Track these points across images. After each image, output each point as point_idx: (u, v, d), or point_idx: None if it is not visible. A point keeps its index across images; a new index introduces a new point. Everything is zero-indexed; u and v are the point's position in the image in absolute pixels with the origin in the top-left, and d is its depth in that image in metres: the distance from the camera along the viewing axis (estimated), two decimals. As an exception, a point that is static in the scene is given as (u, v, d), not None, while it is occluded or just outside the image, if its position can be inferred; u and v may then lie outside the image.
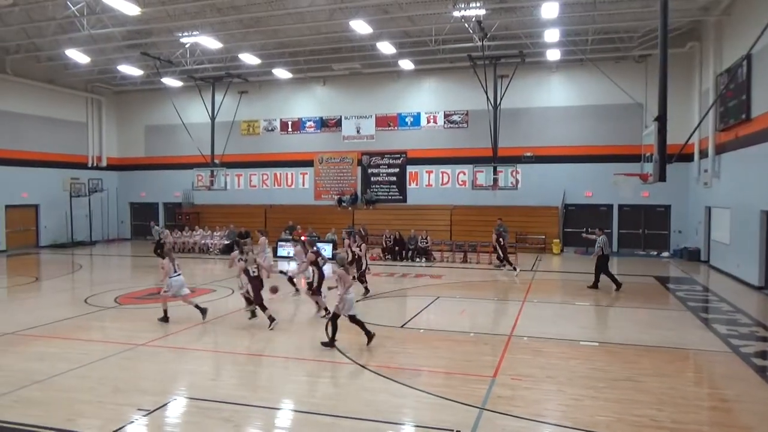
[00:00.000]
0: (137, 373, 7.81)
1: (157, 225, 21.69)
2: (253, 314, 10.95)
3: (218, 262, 21.26)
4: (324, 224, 24.00)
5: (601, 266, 14.66)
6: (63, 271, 18.95)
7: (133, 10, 17.19)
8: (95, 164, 29.40)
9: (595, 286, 14.65)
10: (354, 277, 10.17)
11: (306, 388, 7.21)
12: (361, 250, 13.76)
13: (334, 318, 9.10)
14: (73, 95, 28.17)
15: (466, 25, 19.21)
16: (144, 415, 6.28)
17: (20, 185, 25.13)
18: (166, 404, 6.67)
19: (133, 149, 30.81)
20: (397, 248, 21.11)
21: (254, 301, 10.71)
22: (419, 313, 12.08)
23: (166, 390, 7.19)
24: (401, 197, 26.25)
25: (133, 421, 6.16)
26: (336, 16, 19.37)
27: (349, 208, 25.99)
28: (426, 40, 21.83)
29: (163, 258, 10.98)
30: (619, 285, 14.43)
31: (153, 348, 9.06)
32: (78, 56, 22.90)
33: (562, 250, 23.13)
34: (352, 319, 9.08)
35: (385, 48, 21.42)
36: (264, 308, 10.51)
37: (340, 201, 26.58)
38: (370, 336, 9.06)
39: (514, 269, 17.93)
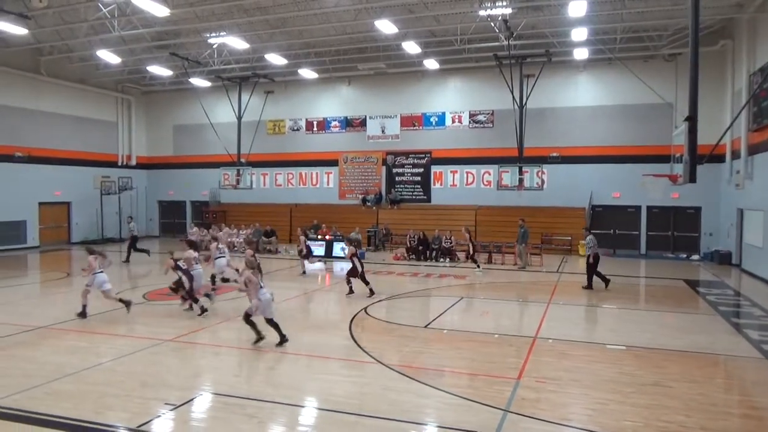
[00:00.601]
0: (164, 368, 7.94)
1: (133, 221, 22.25)
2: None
3: (244, 260, 21.47)
4: (348, 223, 24.06)
5: (594, 265, 14.68)
6: (127, 266, 19.31)
7: (162, 12, 17.48)
8: (125, 163, 30.01)
9: (589, 286, 14.69)
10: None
11: (329, 386, 7.25)
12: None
13: (246, 317, 9.04)
14: (104, 95, 28.79)
15: (492, 24, 19.09)
16: (171, 410, 6.39)
17: (53, 183, 25.79)
18: (192, 399, 6.78)
19: (162, 148, 31.35)
20: (421, 248, 21.07)
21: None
22: (443, 313, 12.04)
23: (192, 385, 7.30)
24: (425, 197, 26.19)
25: (160, 415, 6.27)
26: (361, 16, 19.43)
27: (374, 208, 26.04)
28: (451, 39, 21.75)
29: (92, 254, 11.32)
30: (607, 282, 14.64)
31: (179, 344, 9.21)
32: (109, 57, 23.39)
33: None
34: (269, 321, 8.98)
35: (410, 47, 21.41)
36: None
37: (364, 200, 26.65)
38: (282, 339, 8.96)
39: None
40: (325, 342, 9.44)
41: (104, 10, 19.12)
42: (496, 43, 21.07)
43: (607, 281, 14.73)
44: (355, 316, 11.23)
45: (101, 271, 11.31)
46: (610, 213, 23.37)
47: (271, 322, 9.03)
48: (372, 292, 13.51)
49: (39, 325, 10.52)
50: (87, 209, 27.09)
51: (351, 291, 13.70)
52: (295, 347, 9.00)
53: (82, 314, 11.13)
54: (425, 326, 10.67)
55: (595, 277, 14.72)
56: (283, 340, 9.01)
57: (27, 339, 9.63)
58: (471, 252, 18.27)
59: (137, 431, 5.81)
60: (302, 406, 6.67)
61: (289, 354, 8.65)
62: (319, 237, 22.50)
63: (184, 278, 11.48)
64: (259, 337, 9.07)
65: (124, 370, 7.84)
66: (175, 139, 31.12)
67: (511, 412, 6.32)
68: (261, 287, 9.05)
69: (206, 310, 11.34)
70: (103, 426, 5.90)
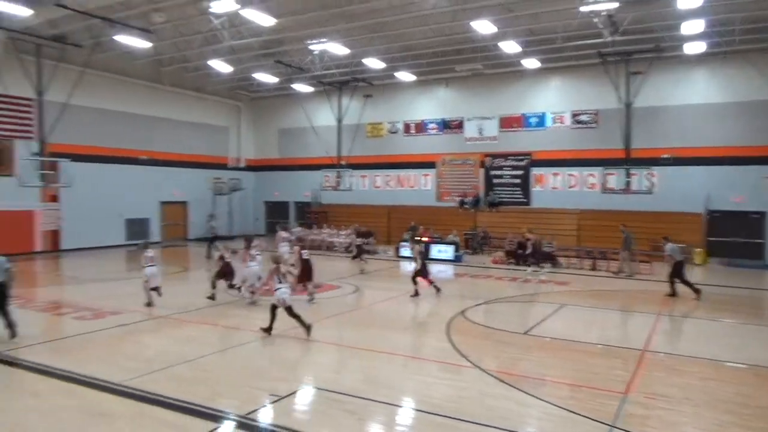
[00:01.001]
0: (270, 361, 8.36)
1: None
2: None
3: (343, 260, 22.07)
4: (445, 226, 24.02)
5: (674, 273, 14.06)
6: (208, 262, 20.69)
7: (268, 21, 18.38)
8: (235, 165, 31.90)
9: (672, 293, 14.09)
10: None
11: (426, 387, 7.28)
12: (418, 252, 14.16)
13: (272, 308, 9.70)
14: (216, 102, 30.78)
15: (595, 19, 18.25)
16: (275, 400, 6.71)
17: (173, 184, 27.93)
18: (295, 392, 7.08)
19: (268, 151, 32.96)
20: (520, 252, 20.57)
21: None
22: (544, 320, 11.68)
23: (295, 378, 7.64)
24: (525, 200, 25.53)
25: (266, 405, 6.61)
26: (459, 17, 19.31)
27: (472, 211, 25.78)
28: (552, 37, 21.04)
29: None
30: (696, 291, 13.80)
31: (283, 338, 9.63)
32: (220, 66, 24.94)
33: (706, 261, 21.09)
34: (289, 311, 9.59)
35: (509, 47, 20.96)
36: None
37: (462, 203, 26.44)
38: (306, 326, 9.50)
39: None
40: (422, 343, 9.49)
41: (216, 21, 20.40)
42: (600, 40, 20.09)
43: (697, 290, 13.76)
44: (452, 319, 11.19)
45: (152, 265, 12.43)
46: (728, 219, 21.49)
47: (288, 311, 9.65)
48: (438, 290, 13.83)
49: (161, 315, 11.44)
50: (201, 208, 29.06)
51: (416, 293, 13.69)
52: (392, 347, 9.12)
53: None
54: (525, 333, 10.42)
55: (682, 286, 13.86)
56: (269, 329, 9.67)
57: (150, 327, 10.52)
58: (530, 251, 18.43)
59: (246, 419, 6.15)
60: (399, 406, 6.75)
61: (385, 353, 8.79)
62: (416, 239, 22.60)
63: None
64: (305, 325, 9.58)
65: (234, 360, 8.34)
66: (280, 143, 32.60)
67: (618, 428, 6.01)
68: (279, 282, 9.72)
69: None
70: (215, 411, 6.31)
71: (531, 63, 23.12)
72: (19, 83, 19.69)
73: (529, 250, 18.35)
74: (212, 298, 12.78)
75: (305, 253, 13.30)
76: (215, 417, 6.18)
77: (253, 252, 12.94)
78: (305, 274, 12.88)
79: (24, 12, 16.62)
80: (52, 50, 19.90)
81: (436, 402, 6.69)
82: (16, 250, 19.01)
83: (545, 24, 20.06)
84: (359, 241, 19.33)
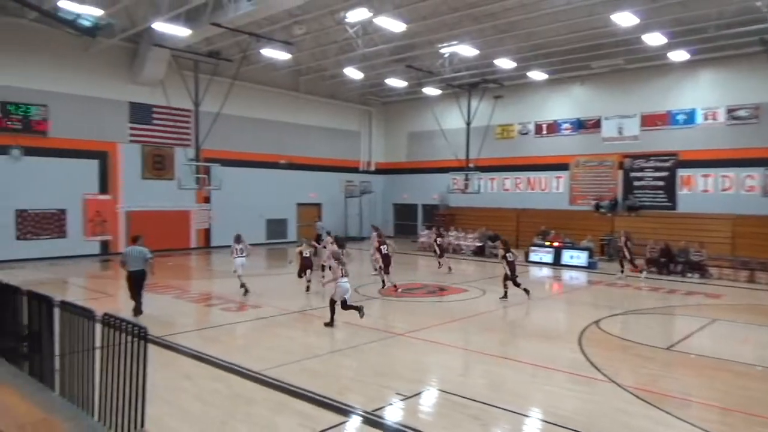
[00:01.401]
0: (396, 360, 8.51)
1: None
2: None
3: (471, 263, 21.90)
4: (579, 230, 22.82)
5: None
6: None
7: (399, 27, 18.77)
8: (366, 168, 32.97)
9: None
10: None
11: (555, 398, 6.98)
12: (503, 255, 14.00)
13: (331, 303, 10.52)
14: (349, 107, 32.04)
15: (758, 3, 16.32)
16: (401, 400, 6.82)
17: (308, 186, 29.55)
18: (420, 393, 7.15)
19: (398, 154, 33.64)
20: (663, 260, 19.00)
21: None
22: (690, 335, 10.69)
23: (420, 379, 7.71)
24: (670, 204, 23.51)
25: (391, 404, 6.75)
26: (596, 11, 18.31)
27: (608, 215, 24.28)
28: (703, 26, 19.19)
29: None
30: None
31: (409, 339, 9.77)
32: (354, 73, 25.92)
33: None
34: (344, 304, 10.45)
35: (653, 39, 19.43)
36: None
37: (597, 206, 25.01)
38: (359, 310, 10.48)
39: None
40: (552, 353, 9.11)
41: (350, 31, 21.27)
42: (763, 25, 17.95)
43: None
44: (585, 329, 10.62)
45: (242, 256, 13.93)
46: None
47: (343, 305, 10.50)
48: (527, 292, 13.58)
49: (295, 309, 12.14)
50: (334, 210, 30.40)
51: (505, 296, 13.65)
52: (520, 354, 8.87)
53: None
54: (667, 348, 9.60)
55: None
56: (331, 323, 10.46)
57: (285, 321, 11.20)
58: (627, 257, 17.76)
59: (372, 415, 6.32)
60: (526, 416, 6.55)
61: (512, 360, 8.57)
62: (547, 244, 21.79)
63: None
64: (329, 323, 10.49)
65: (362, 357, 8.61)
66: (409, 146, 33.13)
67: (779, 460, 5.34)
68: (342, 276, 10.49)
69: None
70: (344, 405, 6.56)
71: (678, 55, 21.24)
72: (180, 96, 21.98)
73: (628, 256, 17.76)
74: (307, 289, 14.36)
75: (384, 248, 15.16)
76: (344, 411, 6.42)
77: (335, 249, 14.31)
78: (385, 266, 14.99)
79: (184, 32, 18.55)
80: (207, 65, 21.97)
81: (565, 414, 6.39)
82: (175, 246, 21.30)
83: (695, 12, 18.35)
84: (439, 240, 19.29)
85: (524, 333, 10.47)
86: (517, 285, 13.53)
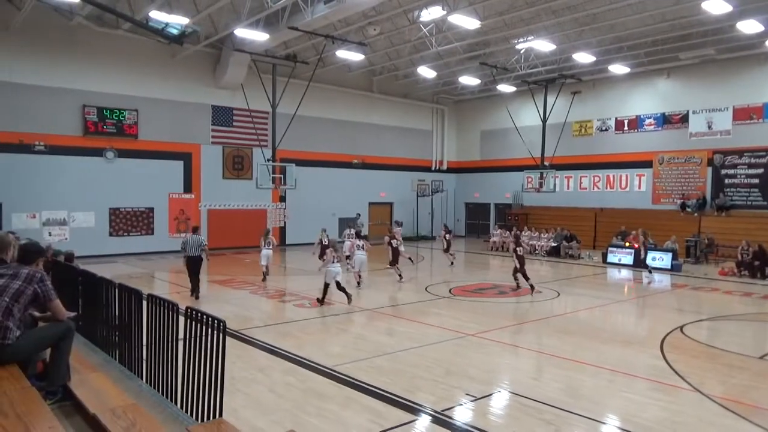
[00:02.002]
0: (466, 360, 8.43)
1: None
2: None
3: (544, 263, 21.33)
4: (662, 231, 21.64)
5: None
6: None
7: (474, 24, 18.55)
8: (437, 167, 32.84)
9: None
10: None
11: (635, 406, 6.67)
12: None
13: (325, 285, 12.28)
14: (421, 107, 32.01)
15: None
16: (471, 401, 6.75)
17: (380, 186, 29.82)
18: (490, 394, 7.04)
19: (470, 153, 33.28)
20: (757, 263, 17.69)
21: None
22: (786, 344, 9.91)
23: (491, 381, 7.59)
24: (766, 203, 21.86)
25: (462, 404, 6.69)
26: (684, 0, 17.32)
27: (695, 214, 22.90)
28: (808, 10, 17.71)
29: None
30: None
31: (480, 339, 9.65)
32: (427, 72, 25.87)
33: None
34: (338, 285, 12.15)
35: (748, 27, 18.12)
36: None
37: (683, 206, 23.65)
38: (349, 297, 12.28)
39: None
40: (632, 359, 8.71)
41: (424, 29, 21.24)
42: None
43: None
44: (668, 335, 10.08)
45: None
46: None
47: (337, 285, 12.21)
48: (533, 288, 14.13)
49: (366, 307, 12.29)
50: (405, 209, 30.50)
51: (518, 287, 14.64)
52: (597, 359, 8.54)
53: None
54: (761, 357, 8.94)
55: None
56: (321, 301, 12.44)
57: (357, 318, 11.37)
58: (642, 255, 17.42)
59: (441, 415, 6.29)
60: (603, 423, 6.29)
61: (589, 365, 8.27)
62: (627, 245, 20.84)
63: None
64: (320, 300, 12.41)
65: (431, 356, 8.59)
66: (482, 144, 32.69)
67: None
68: (334, 261, 12.27)
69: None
70: (413, 403, 6.57)
71: (777, 43, 19.72)
72: (259, 99, 22.79)
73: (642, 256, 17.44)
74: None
75: (395, 243, 16.65)
76: (413, 409, 6.43)
77: (359, 242, 15.49)
78: (394, 258, 16.46)
79: (263, 37, 19.22)
80: (284, 68, 22.66)
81: (645, 424, 6.09)
82: (252, 244, 22.08)
83: (797, -5, 16.98)
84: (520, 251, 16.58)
85: (602, 337, 10.06)
86: (527, 278, 14.35)
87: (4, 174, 19.23)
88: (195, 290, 13.16)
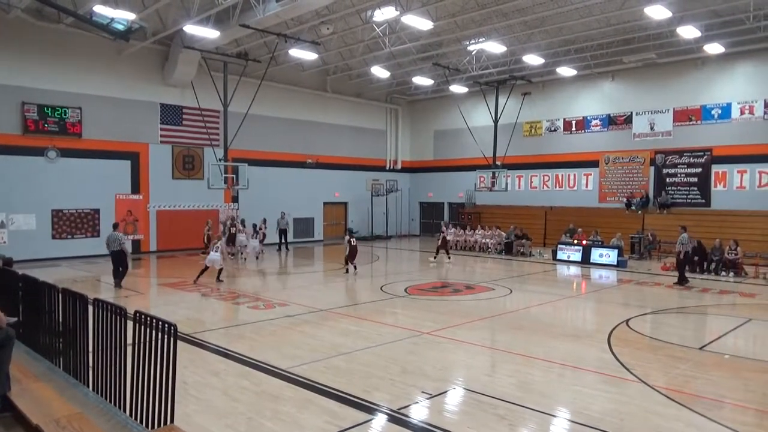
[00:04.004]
0: (422, 359, 8.50)
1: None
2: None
3: (497, 261, 21.74)
4: (609, 228, 22.46)
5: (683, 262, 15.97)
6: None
7: (426, 25, 18.71)
8: (391, 167, 32.97)
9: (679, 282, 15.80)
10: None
11: (584, 399, 6.88)
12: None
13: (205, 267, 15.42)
14: (375, 106, 32.06)
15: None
16: (426, 398, 6.81)
17: (334, 186, 29.71)
18: (446, 391, 7.12)
19: (423, 152, 33.56)
20: (696, 258, 18.55)
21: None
22: (724, 335, 10.42)
23: (446, 378, 7.68)
24: (703, 201, 22.96)
25: (417, 402, 6.74)
26: (628, 5, 17.99)
27: (639, 212, 23.83)
28: (741, 17, 18.69)
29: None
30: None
31: (435, 337, 9.75)
32: (380, 72, 25.94)
33: None
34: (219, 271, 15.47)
35: (688, 32, 19.02)
36: None
37: (628, 204, 24.56)
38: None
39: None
40: (581, 352, 8.98)
41: (377, 29, 21.29)
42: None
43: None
44: (615, 328, 10.45)
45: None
46: None
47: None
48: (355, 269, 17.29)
49: (321, 308, 12.23)
50: (360, 208, 30.50)
51: (347, 271, 17.39)
52: (548, 354, 8.77)
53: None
54: (700, 348, 9.38)
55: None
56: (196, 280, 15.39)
57: (312, 319, 11.28)
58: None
59: (397, 413, 6.33)
60: (554, 416, 6.46)
61: (540, 360, 8.48)
62: (575, 242, 21.49)
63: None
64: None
65: (387, 355, 8.62)
66: (435, 144, 33.02)
67: (818, 466, 5.16)
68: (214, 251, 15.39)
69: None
70: (369, 403, 6.58)
71: (713, 48, 20.73)
72: (210, 97, 22.33)
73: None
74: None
75: (353, 241, 17.65)
76: (370, 409, 6.44)
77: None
78: (351, 255, 17.49)
79: (213, 34, 18.82)
80: (236, 66, 22.27)
81: (594, 415, 6.30)
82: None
83: (733, 3, 17.89)
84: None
85: (552, 332, 10.33)
86: (355, 268, 17.37)
87: (-65, 174, 18.16)
88: (116, 278, 14.78)
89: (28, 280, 7.30)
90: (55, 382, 5.75)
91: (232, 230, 21.28)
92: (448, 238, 22.09)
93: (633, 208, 24.26)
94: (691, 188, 23.27)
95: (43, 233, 20.40)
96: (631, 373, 7.82)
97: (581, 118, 26.71)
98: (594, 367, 8.14)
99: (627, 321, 11.12)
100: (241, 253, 21.26)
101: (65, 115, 20.74)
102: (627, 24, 20.10)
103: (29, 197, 19.95)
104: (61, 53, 20.49)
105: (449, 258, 21.09)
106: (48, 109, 20.34)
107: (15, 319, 5.98)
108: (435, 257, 21.43)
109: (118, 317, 5.21)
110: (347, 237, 18.11)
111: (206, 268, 15.44)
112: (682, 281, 15.84)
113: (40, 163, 20.29)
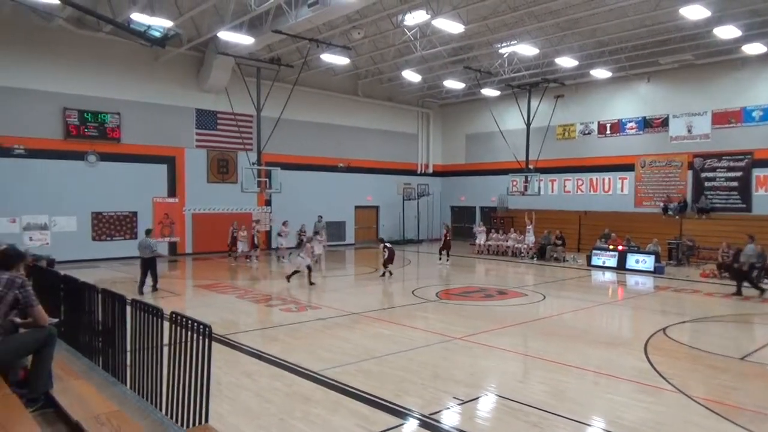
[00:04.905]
0: (453, 364, 8.44)
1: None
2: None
3: (530, 266, 21.48)
4: (644, 233, 21.95)
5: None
6: (396, 264, 21.63)
7: (458, 28, 18.65)
8: (423, 171, 32.93)
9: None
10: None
11: (619, 408, 6.73)
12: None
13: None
14: (406, 110, 32.10)
15: None
16: (458, 404, 6.76)
17: (366, 189, 29.83)
18: (477, 398, 7.06)
19: (455, 156, 33.42)
20: (737, 266, 17.94)
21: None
22: (766, 345, 10.07)
23: (477, 384, 7.61)
24: (744, 206, 22.24)
25: (448, 408, 6.70)
26: (664, 5, 17.61)
27: (676, 217, 23.23)
28: (785, 16, 18.09)
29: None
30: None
31: (466, 342, 9.67)
32: (411, 76, 25.95)
33: None
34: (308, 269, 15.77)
35: (726, 32, 18.47)
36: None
37: (665, 209, 23.97)
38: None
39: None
40: (616, 361, 8.79)
41: (408, 33, 21.32)
42: None
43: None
44: (651, 336, 10.20)
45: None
46: None
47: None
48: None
49: (353, 311, 12.28)
50: (391, 212, 30.53)
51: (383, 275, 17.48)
52: (582, 361, 8.61)
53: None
54: (741, 358, 9.08)
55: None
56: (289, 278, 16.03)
57: (344, 322, 11.34)
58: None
59: (429, 418, 6.30)
60: (588, 425, 6.34)
61: (574, 367, 8.33)
62: (611, 247, 21.07)
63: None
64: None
65: (419, 360, 8.59)
66: (467, 148, 32.85)
67: None
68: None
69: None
70: (400, 407, 6.57)
71: (754, 48, 20.09)
72: (243, 102, 22.70)
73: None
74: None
75: (388, 245, 17.90)
76: (401, 413, 6.42)
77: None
78: (390, 259, 17.60)
79: (247, 40, 19.14)
80: (269, 71, 22.60)
81: (630, 425, 6.15)
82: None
83: (774, 2, 17.34)
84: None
85: (586, 339, 10.15)
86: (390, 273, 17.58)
87: (-18, 178, 18.90)
88: (141, 287, 14.20)
89: (69, 280, 7.52)
90: (95, 380, 5.91)
91: (303, 237, 21.19)
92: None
93: (670, 213, 23.67)
94: (731, 193, 22.58)
95: (84, 235, 21.02)
96: (669, 382, 7.62)
97: (616, 120, 26.22)
98: (630, 376, 7.96)
99: (664, 329, 10.84)
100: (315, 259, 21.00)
101: (105, 120, 21.37)
102: (663, 24, 19.66)
103: (70, 200, 20.60)
104: (101, 60, 21.12)
105: (447, 260, 21.56)
106: (88, 115, 20.99)
107: (57, 318, 6.17)
108: (441, 258, 21.56)
109: (154, 318, 5.33)
110: (382, 245, 18.17)
111: (299, 269, 16.03)
112: (740, 292, 14.74)
113: (81, 167, 20.93)
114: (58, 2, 15.18)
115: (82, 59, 20.70)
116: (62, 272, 8.10)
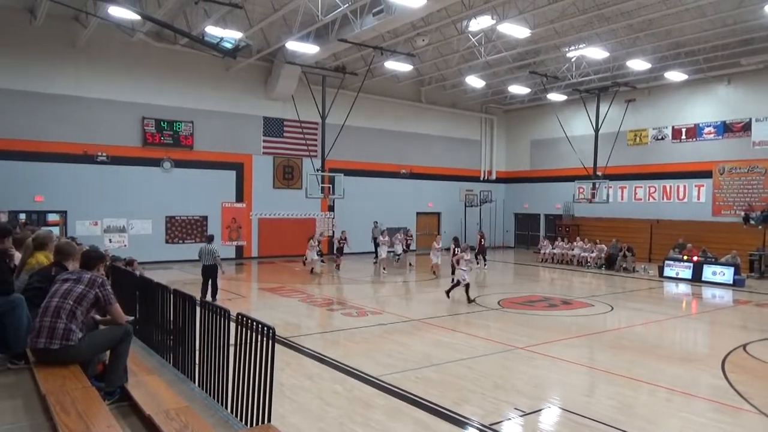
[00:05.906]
0: (514, 374, 8.26)
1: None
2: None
3: (597, 276, 20.75)
4: (723, 244, 20.72)
5: None
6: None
7: (524, 33, 18.34)
8: (486, 177, 32.52)
9: None
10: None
11: (694, 427, 6.37)
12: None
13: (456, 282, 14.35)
14: (469, 116, 31.83)
15: None
16: (520, 416, 6.60)
17: (427, 195, 29.76)
18: (540, 410, 6.87)
19: (519, 163, 32.81)
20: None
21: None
22: None
23: (540, 395, 7.41)
24: (837, 216, 20.61)
25: (510, 419, 6.56)
26: (745, 3, 16.64)
27: (759, 227, 21.80)
28: None
29: None
30: None
31: (529, 353, 9.44)
32: (475, 81, 25.73)
33: None
34: (467, 286, 14.13)
35: (819, 30, 17.25)
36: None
37: (747, 218, 22.55)
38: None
39: None
40: (691, 377, 8.33)
41: (473, 39, 21.16)
42: None
43: None
44: (730, 353, 9.61)
45: None
46: None
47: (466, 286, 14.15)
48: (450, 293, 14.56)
49: (413, 318, 12.26)
50: (453, 219, 30.30)
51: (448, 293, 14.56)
52: (653, 377, 8.21)
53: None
54: (833, 380, 8.39)
55: None
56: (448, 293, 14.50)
57: (404, 328, 11.34)
58: None
59: (489, 429, 6.18)
60: (660, 444, 6.04)
61: (644, 382, 7.95)
62: (685, 258, 20.03)
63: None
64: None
65: (479, 368, 8.46)
66: (531, 154, 32.19)
67: None
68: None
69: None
70: (460, 416, 6.48)
71: None
72: (309, 110, 23.21)
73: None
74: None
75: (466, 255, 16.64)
76: (461, 423, 6.34)
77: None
78: (481, 251, 18.88)
79: (313, 49, 19.58)
80: (334, 79, 23.02)
81: (705, 446, 5.81)
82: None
83: None
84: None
85: (658, 354, 9.68)
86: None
87: (70, 183, 20.24)
88: (203, 294, 13.57)
89: (143, 281, 7.92)
90: (166, 376, 6.18)
91: (343, 243, 22.02)
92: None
93: (752, 222, 22.24)
94: (823, 201, 20.98)
95: (158, 238, 22.10)
96: (749, 402, 7.14)
97: (692, 125, 24.95)
98: (705, 394, 7.52)
99: (744, 346, 10.18)
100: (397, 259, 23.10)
101: (179, 128, 22.43)
102: (745, 24, 18.59)
103: (146, 204, 21.72)
104: (176, 72, 22.20)
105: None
106: (164, 123, 22.09)
107: (132, 317, 6.51)
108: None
109: (222, 318, 5.53)
110: (462, 245, 16.56)
111: (457, 283, 14.26)
112: None
113: (157, 173, 22.03)
114: (140, 18, 16.09)
115: (159, 71, 21.85)
116: (137, 273, 8.53)
